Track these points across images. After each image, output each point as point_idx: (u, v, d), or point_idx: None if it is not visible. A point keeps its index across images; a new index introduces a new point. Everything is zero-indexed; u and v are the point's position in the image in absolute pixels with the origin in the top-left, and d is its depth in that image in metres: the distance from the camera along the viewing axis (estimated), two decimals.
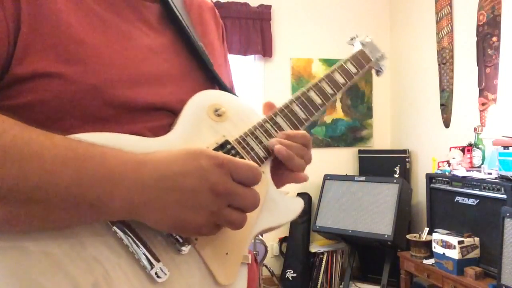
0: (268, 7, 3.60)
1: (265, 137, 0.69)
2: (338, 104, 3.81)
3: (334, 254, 3.51)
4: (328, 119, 3.76)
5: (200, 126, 0.64)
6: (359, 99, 3.86)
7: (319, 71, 3.76)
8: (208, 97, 0.67)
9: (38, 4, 0.54)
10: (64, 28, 0.55)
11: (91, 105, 0.55)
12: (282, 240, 3.61)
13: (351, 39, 0.98)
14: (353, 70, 0.91)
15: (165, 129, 0.62)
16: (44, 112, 0.53)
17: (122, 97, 0.57)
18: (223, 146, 0.64)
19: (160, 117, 0.63)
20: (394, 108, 3.85)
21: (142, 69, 0.61)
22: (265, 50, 3.59)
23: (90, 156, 0.48)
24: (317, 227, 3.30)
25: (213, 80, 0.72)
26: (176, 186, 0.52)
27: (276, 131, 0.71)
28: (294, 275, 3.40)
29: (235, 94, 0.74)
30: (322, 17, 3.78)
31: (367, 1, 3.90)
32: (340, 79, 0.87)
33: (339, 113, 3.80)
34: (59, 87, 0.53)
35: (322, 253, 3.47)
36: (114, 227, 0.52)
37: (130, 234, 0.52)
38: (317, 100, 0.80)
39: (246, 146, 0.67)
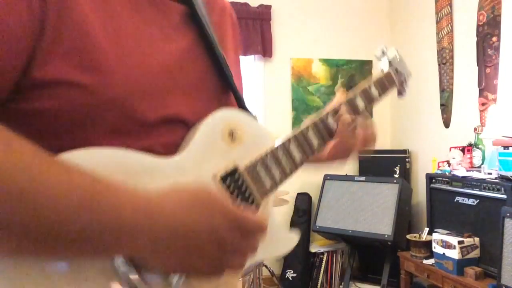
0: (268, 7, 3.60)
1: (275, 165, 0.69)
2: None
3: (334, 254, 3.51)
4: None
5: (212, 149, 0.63)
6: None
7: (319, 71, 3.76)
8: (225, 117, 0.66)
9: (65, 6, 0.53)
10: (88, 34, 0.54)
11: (108, 117, 0.55)
12: None
13: (381, 53, 0.95)
14: (376, 94, 0.89)
15: (178, 144, 0.62)
16: (61, 120, 0.53)
17: (138, 110, 0.57)
18: (232, 174, 0.64)
19: (173, 130, 0.62)
20: (394, 108, 3.85)
21: (160, 80, 0.60)
22: (265, 50, 3.59)
23: (104, 204, 0.48)
24: (317, 227, 3.30)
25: (229, 87, 0.71)
26: (186, 240, 0.52)
27: (287, 159, 0.71)
28: (294, 275, 3.40)
29: (250, 111, 0.73)
30: (322, 17, 3.78)
31: (367, 1, 3.90)
32: (360, 103, 0.86)
33: None
34: (78, 97, 0.53)
35: (322, 253, 3.47)
36: (116, 263, 0.52)
37: (133, 270, 0.53)
38: (334, 126, 0.79)
39: (254, 176, 0.66)
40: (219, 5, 0.78)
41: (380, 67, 0.95)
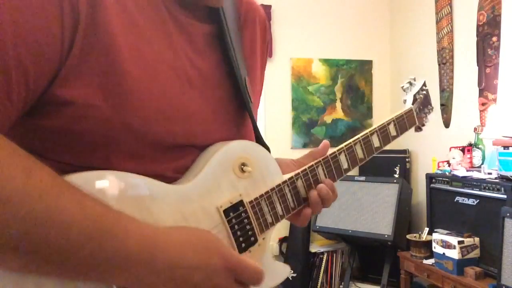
0: (268, 7, 3.60)
1: (280, 202, 0.70)
2: (338, 104, 3.81)
3: (334, 254, 3.51)
4: (328, 119, 3.76)
5: (221, 180, 0.64)
6: (359, 99, 3.86)
7: (319, 71, 3.76)
8: (239, 149, 0.67)
9: (95, 24, 0.52)
10: (114, 57, 0.54)
11: (124, 141, 0.56)
12: (282, 240, 3.61)
13: (408, 85, 0.95)
14: (393, 133, 0.87)
15: (187, 167, 0.64)
16: (76, 140, 0.54)
17: (155, 135, 0.58)
18: (236, 207, 0.65)
19: (185, 154, 0.63)
20: (394, 108, 3.84)
21: (179, 106, 0.61)
22: None
23: (112, 235, 0.50)
24: (317, 227, 3.29)
25: (245, 113, 0.72)
26: (182, 277, 0.54)
27: (292, 195, 0.72)
28: (294, 275, 3.40)
29: (265, 143, 0.74)
30: (322, 17, 3.78)
31: (367, 1, 3.90)
32: (376, 142, 0.84)
33: (339, 113, 3.80)
34: (96, 119, 0.53)
35: (322, 253, 3.47)
36: None
37: None
38: (344, 164, 0.79)
39: (258, 211, 0.68)
40: (251, 17, 0.78)
41: (403, 99, 0.93)
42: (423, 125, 0.95)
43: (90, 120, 0.53)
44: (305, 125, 3.70)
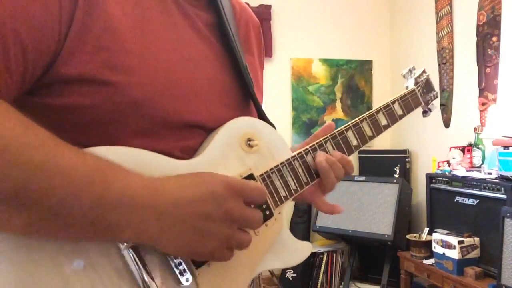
0: (268, 7, 3.60)
1: (291, 176, 0.70)
2: (338, 104, 3.82)
3: (334, 254, 3.51)
4: (328, 119, 3.76)
5: (229, 155, 0.64)
6: (359, 99, 3.86)
7: (319, 71, 3.76)
8: (244, 125, 0.67)
9: (95, 3, 0.53)
10: (115, 33, 0.54)
11: (131, 117, 0.56)
12: None
13: (408, 72, 0.94)
14: (399, 112, 0.86)
15: (195, 149, 0.63)
16: (84, 117, 0.54)
17: (161, 112, 0.58)
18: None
19: (193, 135, 0.63)
20: None
21: (184, 84, 0.61)
22: (265, 50, 3.57)
23: (115, 180, 0.50)
24: (317, 227, 3.29)
25: (249, 97, 0.72)
26: (191, 212, 0.53)
27: (303, 170, 0.71)
28: (294, 275, 3.40)
29: (270, 121, 0.74)
30: (322, 17, 3.78)
31: (367, 1, 3.90)
32: (383, 120, 0.83)
33: (339, 113, 3.81)
34: (101, 96, 0.53)
35: (322, 253, 3.47)
36: (123, 252, 0.53)
37: (138, 261, 0.53)
38: (353, 141, 0.79)
39: (269, 184, 0.67)
40: (244, 18, 0.79)
41: (405, 85, 0.93)
42: (430, 110, 0.94)
43: (97, 96, 0.53)
44: (305, 125, 3.70)
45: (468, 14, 3.00)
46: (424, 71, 0.93)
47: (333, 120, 3.77)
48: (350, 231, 3.13)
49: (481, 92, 2.89)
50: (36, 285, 0.48)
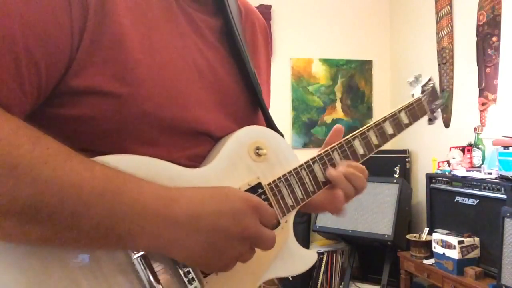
0: (268, 7, 3.60)
1: (298, 185, 0.69)
2: (338, 104, 3.82)
3: (334, 254, 3.51)
4: (328, 119, 3.76)
5: (237, 164, 0.64)
6: (359, 99, 3.86)
7: (319, 71, 3.76)
8: (253, 134, 0.67)
9: (104, 14, 0.53)
10: (125, 46, 0.55)
11: (138, 128, 0.56)
12: None
13: (414, 79, 0.92)
14: (406, 121, 0.86)
15: (202, 157, 0.63)
16: (93, 128, 0.54)
17: (168, 120, 0.58)
18: (255, 189, 0.64)
19: (200, 143, 0.63)
20: (394, 108, 3.83)
21: (189, 93, 0.61)
22: None
23: (126, 190, 0.50)
24: (317, 227, 3.29)
25: (258, 104, 0.72)
26: (207, 226, 0.52)
27: (310, 179, 0.71)
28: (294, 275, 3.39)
29: (278, 129, 0.74)
30: (322, 17, 3.78)
31: (367, 1, 3.90)
32: (389, 129, 0.84)
33: (339, 113, 3.81)
34: (111, 108, 0.54)
35: (322, 253, 3.47)
36: (134, 260, 0.53)
37: (147, 270, 0.53)
38: (360, 150, 0.79)
39: (277, 193, 0.67)
40: (250, 20, 0.79)
41: (411, 93, 0.93)
42: (436, 117, 0.94)
43: (106, 107, 0.53)
44: (305, 125, 3.70)
45: (468, 14, 3.00)
46: (430, 79, 0.93)
47: (333, 120, 3.77)
48: (350, 231, 3.13)
49: (481, 92, 2.89)
50: None
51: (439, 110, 0.94)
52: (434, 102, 0.92)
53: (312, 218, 3.47)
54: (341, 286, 3.42)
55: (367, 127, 0.80)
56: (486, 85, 2.85)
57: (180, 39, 0.62)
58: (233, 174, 0.63)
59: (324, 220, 3.28)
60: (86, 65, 0.52)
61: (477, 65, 2.91)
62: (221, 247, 0.53)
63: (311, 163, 0.72)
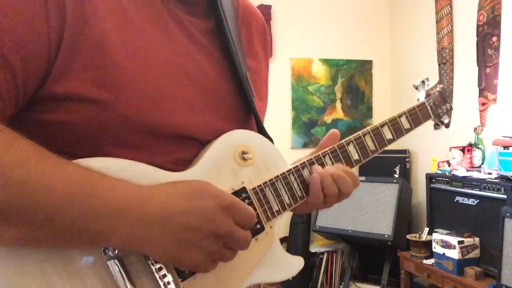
0: (268, 7, 3.60)
1: (285, 190, 0.68)
2: (338, 104, 3.81)
3: (334, 254, 3.51)
4: (328, 119, 3.76)
5: (222, 167, 0.63)
6: (359, 99, 3.86)
7: (319, 71, 3.76)
8: (239, 138, 0.66)
9: (84, 21, 0.53)
10: (105, 50, 0.55)
11: (120, 133, 0.56)
12: (282, 240, 3.61)
13: (421, 83, 0.89)
14: (407, 126, 0.84)
15: (189, 161, 0.63)
16: (73, 133, 0.54)
17: (152, 125, 0.58)
18: (238, 194, 0.63)
19: (186, 147, 0.62)
20: (394, 108, 3.84)
21: (176, 97, 0.61)
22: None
23: (98, 191, 0.50)
24: (317, 227, 3.29)
25: (249, 109, 0.71)
26: (179, 224, 0.53)
27: (298, 184, 0.69)
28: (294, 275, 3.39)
29: (268, 134, 0.72)
30: (322, 17, 3.78)
31: (367, 1, 3.90)
32: (388, 134, 0.81)
33: (339, 113, 3.80)
34: (91, 113, 0.54)
35: (322, 253, 3.47)
36: (109, 262, 0.53)
37: (122, 272, 0.53)
38: (354, 155, 0.76)
39: (261, 198, 0.66)
40: (247, 19, 0.78)
41: (416, 97, 0.90)
42: (443, 122, 0.91)
43: (87, 113, 0.54)
44: (305, 125, 3.70)
45: (468, 14, 3.00)
46: (438, 83, 0.90)
47: (333, 120, 3.77)
48: (350, 231, 3.12)
49: (481, 92, 2.89)
50: None
51: (448, 114, 0.92)
52: (441, 107, 0.90)
53: (312, 218, 3.47)
54: (341, 286, 3.42)
55: (363, 131, 0.78)
56: (486, 85, 2.85)
57: (167, 42, 0.62)
58: (217, 178, 0.62)
59: (324, 220, 3.28)
60: (65, 71, 0.52)
61: (477, 65, 2.91)
62: (193, 244, 0.53)
63: (300, 168, 0.70)
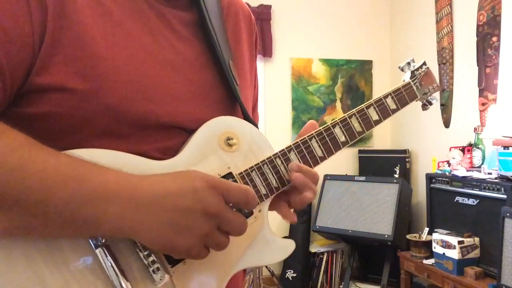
0: (268, 7, 3.60)
1: (272, 173, 0.68)
2: (338, 104, 3.82)
3: (334, 254, 3.51)
4: (328, 119, 3.76)
5: (207, 154, 0.64)
6: (359, 99, 3.87)
7: (319, 71, 3.76)
8: (223, 124, 0.66)
9: (64, 15, 0.55)
10: (86, 42, 0.56)
11: (103, 123, 0.56)
12: None
13: (406, 64, 0.90)
14: (393, 106, 0.83)
15: (175, 150, 0.63)
16: (58, 124, 0.55)
17: (135, 114, 0.58)
18: (225, 179, 0.63)
19: (172, 136, 0.63)
20: None
21: (160, 87, 0.61)
22: (265, 50, 3.59)
23: (91, 175, 0.51)
24: (317, 227, 3.29)
25: (235, 98, 0.71)
26: (169, 206, 0.53)
27: (285, 167, 0.69)
28: (294, 275, 3.40)
29: (253, 120, 0.72)
30: (322, 17, 3.78)
31: (367, 1, 3.90)
32: (374, 115, 0.80)
33: (339, 113, 3.81)
34: (73, 103, 0.55)
35: (322, 253, 3.47)
36: (97, 250, 0.53)
37: (110, 259, 0.53)
38: (341, 137, 0.76)
39: (248, 182, 0.66)
40: (233, 10, 0.78)
41: (402, 79, 0.90)
42: (430, 103, 0.90)
43: (70, 103, 0.54)
44: None
45: (468, 14, 3.00)
46: (424, 63, 0.90)
47: (333, 120, 3.77)
48: (350, 231, 3.13)
49: (481, 92, 2.89)
50: (11, 283, 0.49)
51: (436, 97, 0.91)
52: (427, 87, 0.89)
53: (312, 218, 3.47)
54: (341, 286, 3.43)
55: (349, 113, 0.77)
56: (486, 85, 2.85)
57: (149, 35, 0.63)
58: (203, 164, 0.63)
59: (324, 220, 3.28)
60: (48, 64, 0.54)
61: (477, 65, 2.91)
62: (184, 227, 0.53)
63: (287, 152, 0.70)
